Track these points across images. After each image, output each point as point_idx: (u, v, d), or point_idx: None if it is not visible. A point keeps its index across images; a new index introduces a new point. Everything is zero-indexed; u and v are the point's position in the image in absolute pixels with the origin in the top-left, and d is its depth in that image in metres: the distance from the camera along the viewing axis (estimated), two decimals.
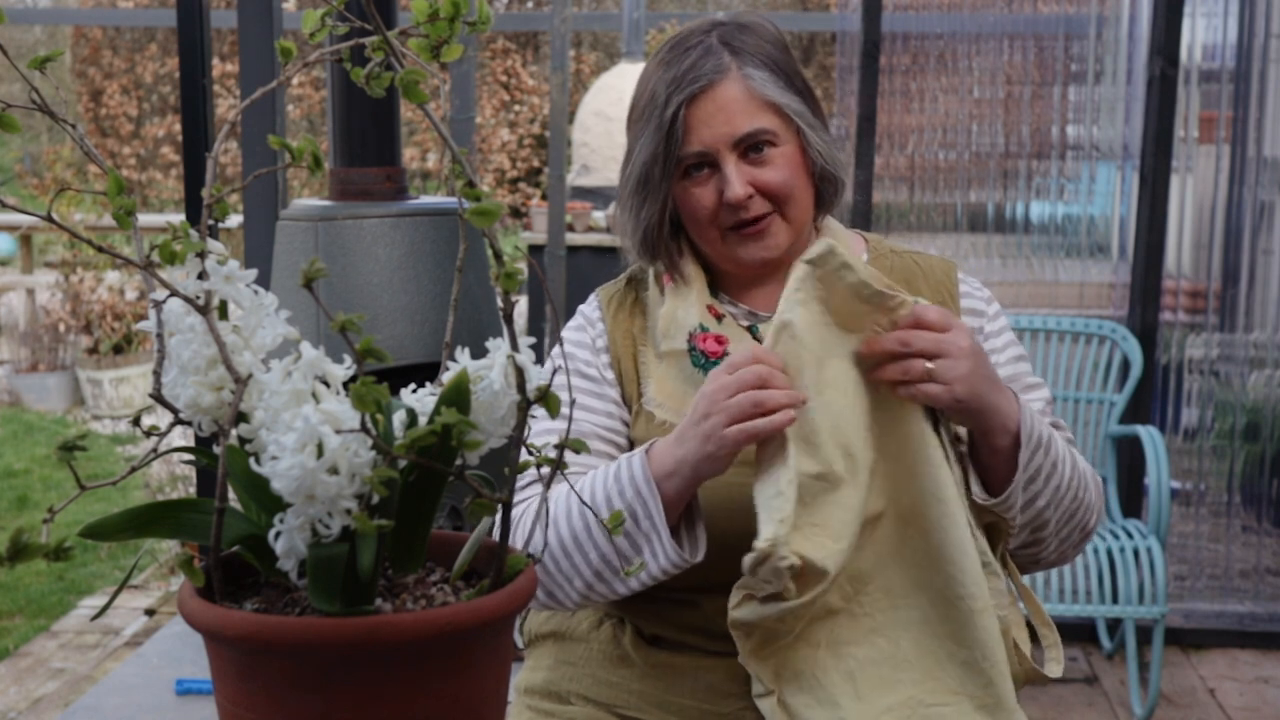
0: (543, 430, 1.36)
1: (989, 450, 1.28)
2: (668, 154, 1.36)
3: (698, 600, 1.36)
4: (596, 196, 6.43)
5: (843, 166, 1.43)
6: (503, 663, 0.85)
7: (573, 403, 1.06)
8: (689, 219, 1.41)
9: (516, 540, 1.32)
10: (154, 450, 0.84)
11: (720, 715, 1.35)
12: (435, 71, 0.80)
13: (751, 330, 1.42)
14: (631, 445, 1.43)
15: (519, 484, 1.32)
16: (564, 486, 1.34)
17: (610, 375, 1.44)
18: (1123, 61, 3.65)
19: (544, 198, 7.50)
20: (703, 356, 1.39)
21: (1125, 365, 3.39)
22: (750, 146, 1.36)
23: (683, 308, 1.41)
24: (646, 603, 1.39)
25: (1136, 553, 3.02)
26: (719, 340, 1.39)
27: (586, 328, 1.48)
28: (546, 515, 0.91)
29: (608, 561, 1.29)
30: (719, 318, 1.42)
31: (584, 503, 1.24)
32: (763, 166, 1.36)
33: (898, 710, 1.25)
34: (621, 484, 1.28)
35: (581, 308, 1.52)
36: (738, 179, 1.35)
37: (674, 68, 1.36)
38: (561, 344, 1.28)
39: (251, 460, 0.78)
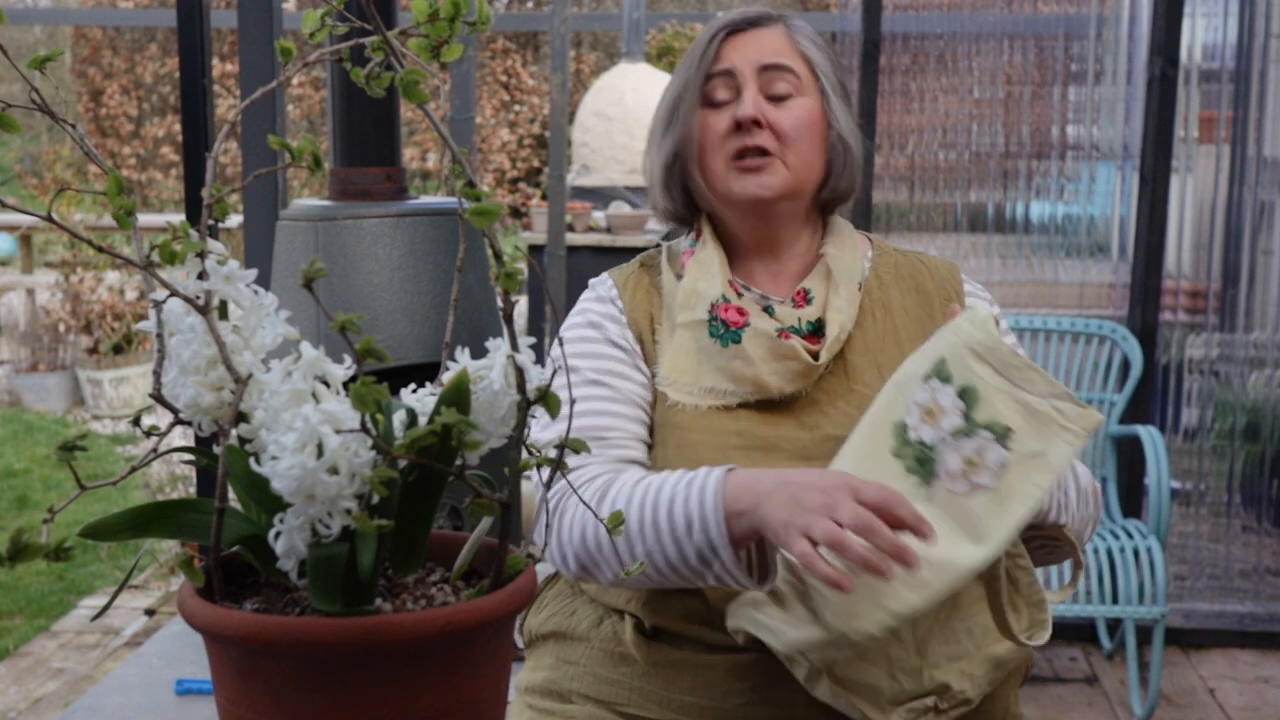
0: (587, 410, 1.37)
1: None
2: (694, 75, 1.43)
3: (691, 589, 1.36)
4: (596, 196, 6.43)
5: (858, 140, 1.46)
6: (503, 662, 0.85)
7: (568, 400, 1.05)
8: (701, 150, 1.43)
9: (562, 527, 1.31)
10: (154, 450, 0.84)
11: (722, 711, 1.35)
12: (435, 71, 0.80)
13: (768, 310, 1.42)
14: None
15: (575, 479, 1.32)
16: (635, 473, 1.33)
17: (638, 348, 1.45)
18: (1123, 61, 3.65)
19: (544, 198, 7.50)
20: (723, 325, 1.39)
21: (1125, 365, 3.39)
22: (774, 88, 1.41)
23: (704, 280, 1.42)
24: (648, 592, 1.39)
25: (1136, 553, 3.02)
26: (740, 311, 1.40)
27: (605, 303, 1.48)
28: (553, 518, 0.91)
29: (669, 563, 1.27)
30: (739, 294, 1.43)
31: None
32: (780, 107, 1.41)
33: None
34: (690, 494, 1.25)
35: (595, 283, 1.51)
36: (751, 102, 1.40)
37: (723, 18, 1.46)
38: (559, 341, 1.29)
39: (251, 460, 0.78)
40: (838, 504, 1.14)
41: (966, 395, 1.21)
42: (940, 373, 1.23)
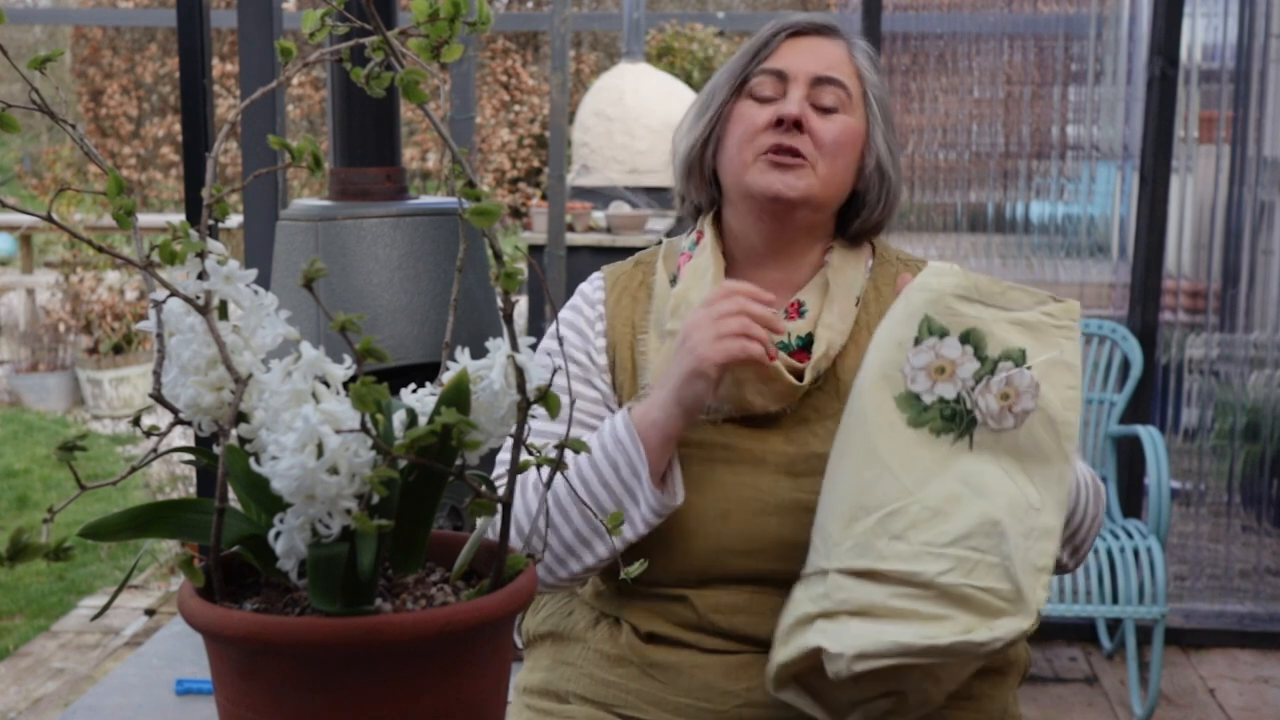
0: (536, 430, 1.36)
1: None
2: (745, 66, 1.41)
3: (687, 596, 1.36)
4: (596, 196, 6.43)
5: (894, 170, 1.43)
6: (503, 662, 0.85)
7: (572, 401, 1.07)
8: (731, 138, 1.41)
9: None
10: (154, 450, 0.84)
11: (718, 713, 1.35)
12: (435, 71, 0.80)
13: None
14: None
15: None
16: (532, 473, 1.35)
17: (603, 360, 1.44)
18: (1123, 61, 3.65)
19: (544, 198, 7.50)
20: None
21: (1125, 365, 3.39)
22: (822, 99, 1.39)
23: (698, 289, 1.40)
24: (640, 599, 1.39)
25: (1136, 553, 3.02)
26: None
27: (584, 308, 1.48)
28: (547, 515, 0.91)
29: (590, 522, 1.31)
30: None
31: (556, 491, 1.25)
32: (824, 118, 1.39)
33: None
34: (603, 438, 1.31)
35: (583, 286, 1.51)
36: (797, 102, 1.38)
37: (784, 20, 1.45)
38: (558, 325, 1.29)
39: (251, 460, 0.78)
40: (711, 311, 1.28)
41: (971, 338, 1.22)
42: (932, 328, 1.23)
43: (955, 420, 1.22)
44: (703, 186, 1.46)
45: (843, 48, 1.42)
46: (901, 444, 1.22)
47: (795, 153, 1.36)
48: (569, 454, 1.26)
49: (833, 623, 1.19)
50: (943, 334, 1.23)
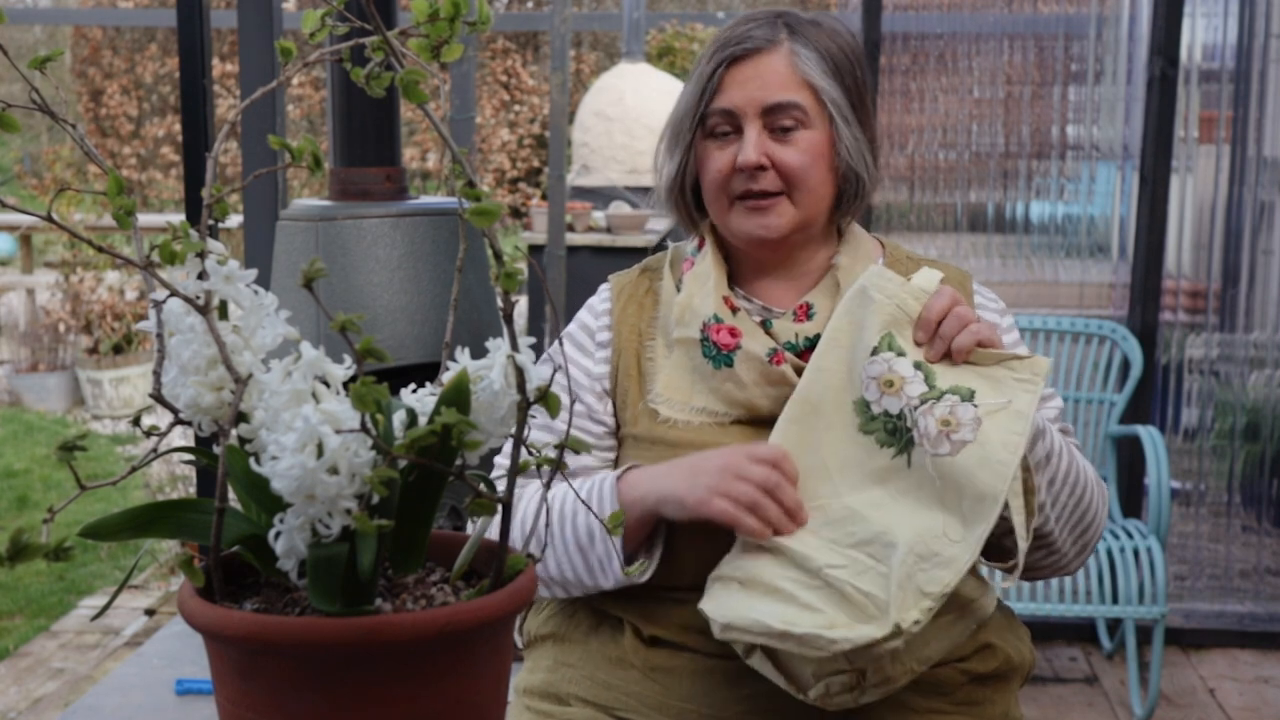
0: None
1: None
2: (697, 108, 1.38)
3: (689, 600, 1.36)
4: (596, 196, 6.43)
5: (871, 167, 1.42)
6: (503, 663, 0.85)
7: (572, 401, 1.08)
8: (704, 181, 1.41)
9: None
10: (154, 450, 0.84)
11: (719, 718, 1.35)
12: (435, 71, 0.80)
13: (765, 325, 1.41)
14: (622, 444, 1.44)
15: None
16: (536, 486, 1.37)
17: (606, 368, 1.45)
18: (1123, 61, 3.65)
19: (544, 198, 7.50)
20: (715, 348, 1.38)
21: (1125, 365, 3.38)
22: (778, 123, 1.36)
23: (700, 296, 1.40)
24: (643, 602, 1.39)
25: (1136, 553, 3.02)
26: (733, 333, 1.38)
27: (589, 321, 1.49)
28: (548, 515, 0.91)
29: (574, 567, 1.36)
30: (734, 310, 1.41)
31: (540, 513, 1.27)
32: (785, 145, 1.36)
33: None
34: (590, 499, 1.33)
35: (590, 300, 1.52)
36: (754, 145, 1.36)
37: (728, 32, 1.39)
38: (561, 343, 1.29)
39: (251, 460, 0.78)
40: (741, 467, 1.24)
41: (923, 368, 1.25)
42: (892, 346, 1.27)
43: (896, 436, 1.25)
44: (687, 213, 1.47)
45: (785, 59, 1.36)
46: (847, 447, 1.27)
47: (765, 194, 1.37)
48: (557, 505, 1.33)
49: (724, 588, 1.26)
50: (900, 354, 1.27)
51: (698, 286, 1.41)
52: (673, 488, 1.28)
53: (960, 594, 1.26)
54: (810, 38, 1.38)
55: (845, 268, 1.42)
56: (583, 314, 1.51)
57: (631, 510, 1.30)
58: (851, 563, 1.20)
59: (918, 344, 1.28)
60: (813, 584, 1.20)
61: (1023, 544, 1.23)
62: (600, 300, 1.50)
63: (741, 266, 1.46)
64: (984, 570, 1.38)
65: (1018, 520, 1.23)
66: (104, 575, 4.29)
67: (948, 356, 1.26)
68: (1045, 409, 1.42)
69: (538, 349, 0.83)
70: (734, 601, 1.23)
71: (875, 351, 1.27)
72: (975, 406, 1.22)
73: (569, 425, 0.90)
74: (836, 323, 1.32)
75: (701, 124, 1.39)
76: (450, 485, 0.84)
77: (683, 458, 1.31)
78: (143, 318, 3.23)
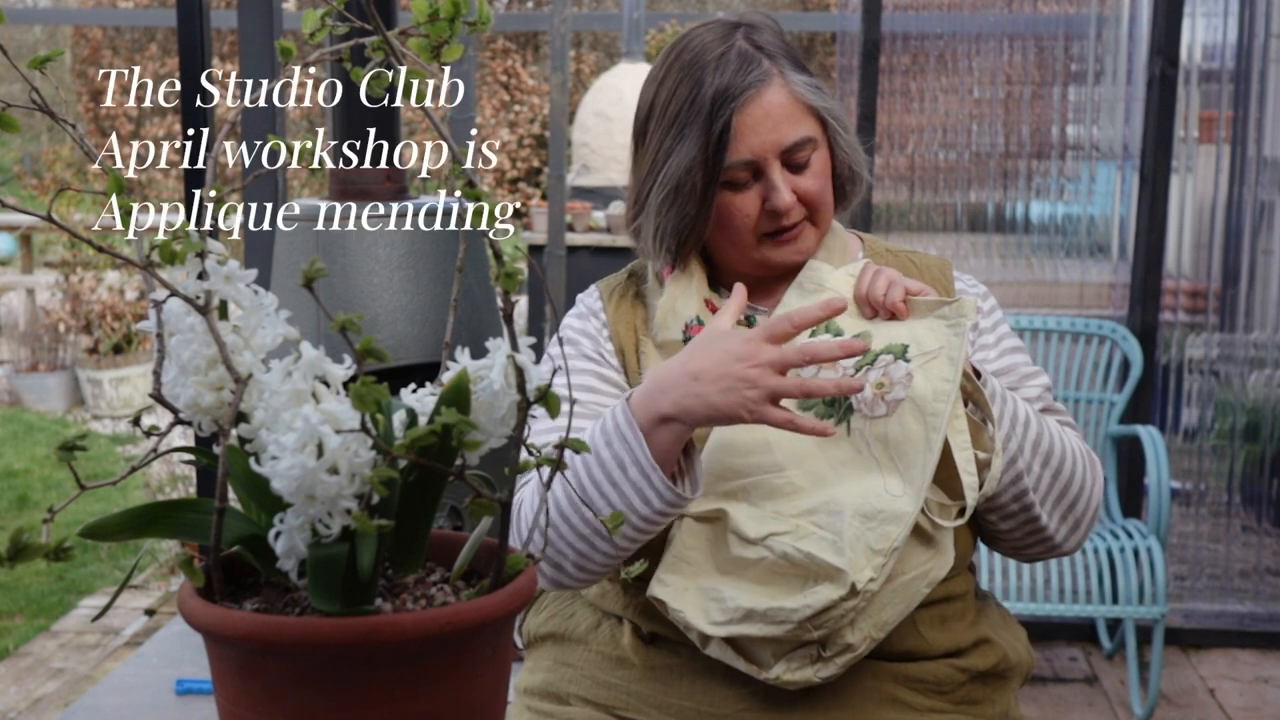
0: (544, 429, 1.36)
1: None
2: (713, 162, 1.35)
3: None
4: (596, 196, 6.42)
5: (863, 164, 1.46)
6: (503, 663, 0.85)
7: (571, 400, 1.07)
8: (725, 226, 1.40)
9: (517, 530, 1.33)
10: (154, 450, 0.84)
11: (719, 717, 1.35)
12: (435, 71, 0.80)
13: (748, 322, 1.42)
14: None
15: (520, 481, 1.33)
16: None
17: (615, 362, 1.45)
18: (1123, 61, 3.65)
19: (544, 198, 7.50)
20: None
21: (1125, 365, 3.38)
22: (795, 159, 1.37)
23: (682, 299, 1.42)
24: (643, 601, 1.39)
25: (1136, 553, 3.02)
26: None
27: (589, 317, 1.49)
28: (547, 515, 0.91)
29: (592, 525, 1.28)
30: (715, 312, 1.42)
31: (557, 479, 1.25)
32: (803, 175, 1.38)
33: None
34: (607, 433, 1.27)
35: (582, 297, 1.52)
36: (785, 187, 1.36)
37: (716, 75, 1.34)
38: (560, 340, 1.29)
39: (251, 460, 0.78)
40: (770, 356, 1.20)
41: (861, 338, 1.28)
42: (829, 329, 1.33)
43: (835, 406, 1.30)
44: (687, 254, 1.44)
45: (783, 90, 1.35)
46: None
47: (794, 225, 1.40)
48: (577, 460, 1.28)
49: (678, 577, 1.28)
50: (838, 334, 1.31)
51: (680, 289, 1.43)
52: (720, 403, 1.20)
53: (910, 555, 1.27)
54: (781, 54, 1.38)
55: (821, 262, 1.44)
56: (579, 309, 1.51)
57: (656, 438, 1.23)
58: (793, 529, 1.23)
59: (866, 319, 1.33)
60: (758, 555, 1.24)
61: (968, 479, 1.26)
62: (593, 300, 1.50)
63: (730, 271, 1.47)
64: (937, 531, 1.34)
65: (961, 457, 1.26)
66: (104, 575, 4.29)
67: (892, 319, 1.31)
68: (1029, 386, 1.43)
69: (538, 349, 0.83)
70: (689, 596, 1.27)
71: (814, 334, 1.32)
72: (908, 361, 1.27)
73: (567, 424, 0.90)
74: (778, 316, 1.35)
75: (720, 178, 1.37)
76: (450, 485, 0.84)
77: (677, 365, 1.24)
78: (143, 318, 3.23)
